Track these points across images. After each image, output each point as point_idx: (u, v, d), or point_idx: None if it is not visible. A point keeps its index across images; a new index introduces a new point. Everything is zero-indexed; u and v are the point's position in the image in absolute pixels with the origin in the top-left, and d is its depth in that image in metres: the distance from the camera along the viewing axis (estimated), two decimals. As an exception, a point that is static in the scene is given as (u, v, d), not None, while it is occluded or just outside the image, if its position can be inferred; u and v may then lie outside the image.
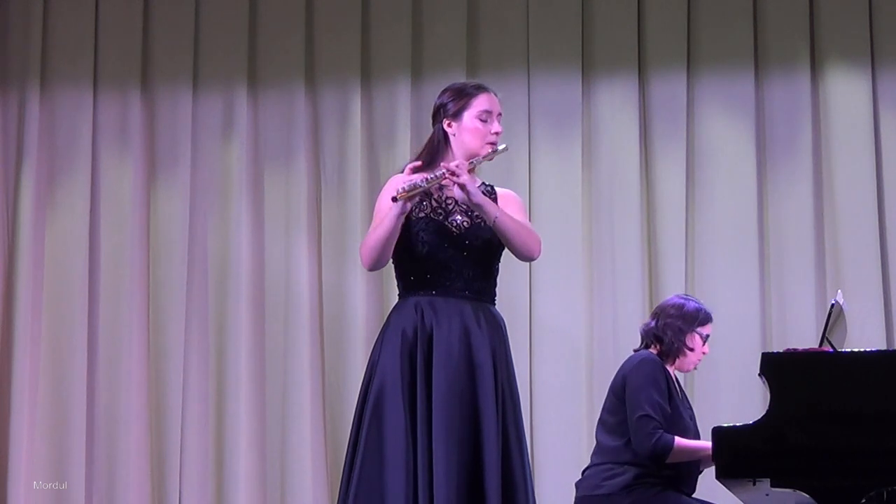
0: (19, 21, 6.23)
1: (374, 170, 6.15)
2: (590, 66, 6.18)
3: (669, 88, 6.12)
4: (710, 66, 6.14)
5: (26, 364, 5.99)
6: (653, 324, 4.69)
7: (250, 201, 6.15)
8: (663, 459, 4.43)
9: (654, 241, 6.08)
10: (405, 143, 6.08)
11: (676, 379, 4.70)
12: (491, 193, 3.96)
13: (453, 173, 3.72)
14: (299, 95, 6.20)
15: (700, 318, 4.67)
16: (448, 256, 3.83)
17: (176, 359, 6.05)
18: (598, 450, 4.61)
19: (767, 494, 4.12)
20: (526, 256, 3.89)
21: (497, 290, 3.97)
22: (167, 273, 6.12)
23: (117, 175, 6.18)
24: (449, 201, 3.88)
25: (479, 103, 3.90)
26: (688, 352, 4.64)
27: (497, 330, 3.88)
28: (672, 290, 5.54)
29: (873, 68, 6.08)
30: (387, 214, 3.77)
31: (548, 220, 6.06)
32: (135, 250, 6.11)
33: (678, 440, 4.44)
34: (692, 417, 4.67)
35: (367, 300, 6.00)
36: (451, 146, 3.91)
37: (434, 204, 3.88)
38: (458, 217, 3.86)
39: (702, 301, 4.82)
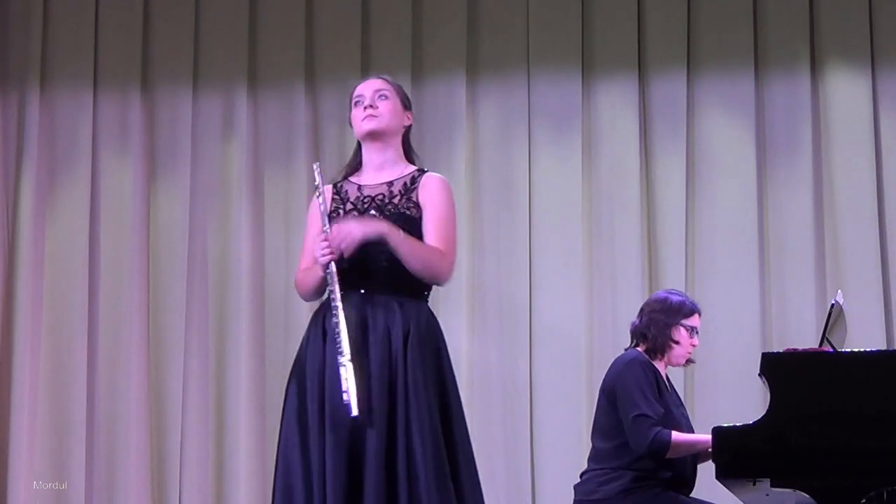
0: (19, 21, 6.23)
1: (374, 170, 6.14)
2: (590, 67, 6.18)
3: (669, 88, 6.12)
4: (710, 66, 6.15)
5: (26, 364, 5.99)
6: (638, 321, 4.66)
7: (250, 201, 6.15)
8: (662, 455, 4.39)
9: (654, 241, 6.08)
10: (405, 143, 6.07)
11: (667, 377, 4.67)
12: (417, 178, 3.77)
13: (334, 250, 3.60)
14: (299, 95, 6.20)
15: (684, 310, 4.61)
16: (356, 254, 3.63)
17: (176, 358, 6.05)
18: (594, 454, 4.58)
19: (767, 494, 4.12)
20: (429, 279, 3.67)
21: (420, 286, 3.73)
22: (167, 273, 6.12)
23: (117, 175, 6.18)
24: (365, 200, 3.77)
25: (353, 96, 3.83)
26: (674, 346, 4.59)
27: (393, 316, 3.64)
28: (672, 290, 5.53)
29: (873, 68, 6.08)
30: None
31: (548, 220, 6.07)
32: (135, 250, 6.11)
33: (675, 434, 4.40)
34: (684, 415, 4.64)
35: (366, 300, 5.99)
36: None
37: (349, 207, 3.78)
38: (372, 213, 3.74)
39: (699, 298, 4.78)
